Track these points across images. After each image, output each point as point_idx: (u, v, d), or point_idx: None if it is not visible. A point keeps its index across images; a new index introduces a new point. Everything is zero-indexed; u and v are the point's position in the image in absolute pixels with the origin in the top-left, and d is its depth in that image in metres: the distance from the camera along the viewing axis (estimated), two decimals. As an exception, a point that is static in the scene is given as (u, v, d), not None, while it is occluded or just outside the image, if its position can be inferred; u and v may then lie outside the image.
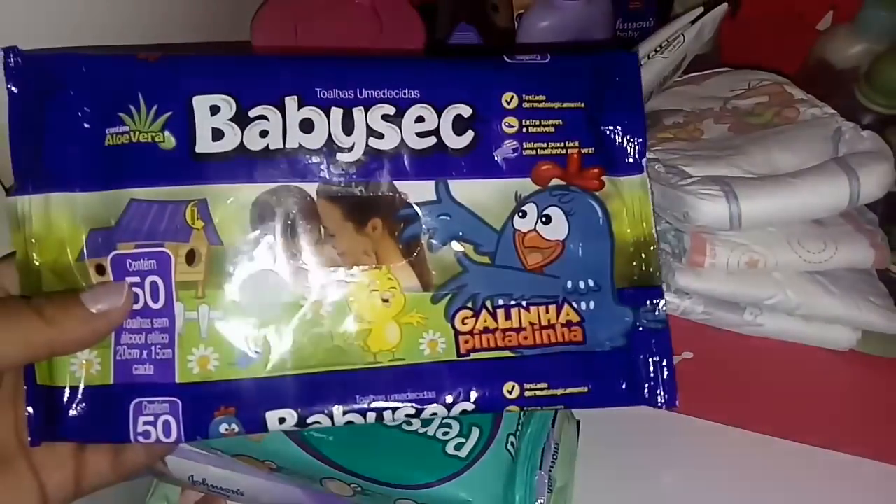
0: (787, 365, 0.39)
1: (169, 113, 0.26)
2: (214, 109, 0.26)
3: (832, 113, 0.40)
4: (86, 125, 0.26)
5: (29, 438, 0.25)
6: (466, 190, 0.28)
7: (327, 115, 0.26)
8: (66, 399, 0.25)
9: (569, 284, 0.28)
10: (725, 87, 0.46)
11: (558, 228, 0.28)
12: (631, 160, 0.29)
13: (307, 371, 0.26)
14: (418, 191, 0.27)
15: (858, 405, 0.41)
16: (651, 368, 0.28)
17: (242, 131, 0.26)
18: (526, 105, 0.28)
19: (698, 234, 0.36)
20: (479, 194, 0.28)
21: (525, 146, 0.28)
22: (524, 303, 0.28)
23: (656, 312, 0.29)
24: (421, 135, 0.27)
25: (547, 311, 0.28)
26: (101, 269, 0.25)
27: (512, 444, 0.36)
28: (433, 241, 0.28)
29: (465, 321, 0.27)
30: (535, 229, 0.28)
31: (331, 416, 0.26)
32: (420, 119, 0.27)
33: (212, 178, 0.26)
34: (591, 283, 0.29)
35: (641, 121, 0.29)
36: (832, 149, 0.38)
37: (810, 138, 0.38)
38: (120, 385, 0.25)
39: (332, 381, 0.26)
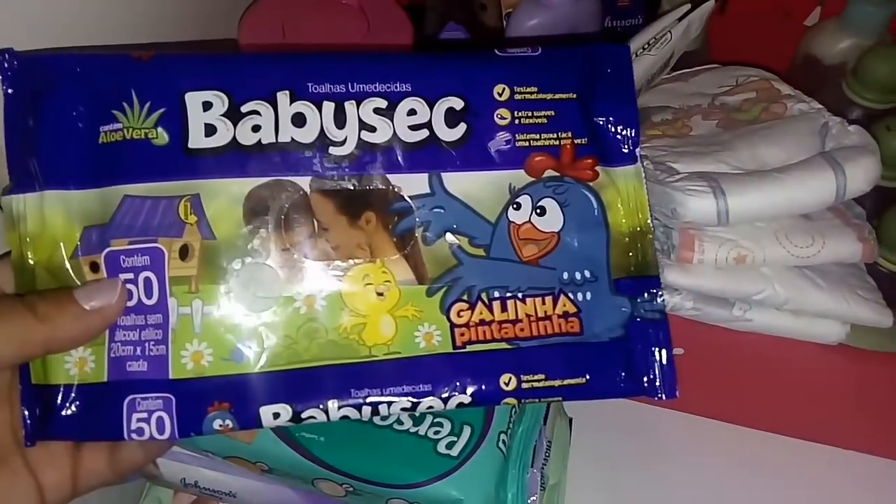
0: (777, 359, 0.39)
1: (162, 109, 0.26)
2: (207, 105, 0.26)
3: (819, 108, 0.41)
4: (80, 124, 0.26)
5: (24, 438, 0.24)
6: (460, 182, 0.28)
7: (319, 109, 0.27)
8: (60, 398, 0.25)
9: (565, 275, 0.28)
10: (713, 83, 0.46)
11: (553, 220, 0.28)
12: (625, 150, 0.29)
13: (301, 366, 0.26)
14: (412, 184, 0.27)
15: (848, 399, 0.41)
16: (650, 359, 0.28)
17: (235, 126, 0.26)
18: (518, 97, 0.28)
19: (686, 230, 0.36)
20: (473, 187, 0.28)
21: (518, 138, 0.28)
22: (520, 294, 0.28)
23: (654, 302, 0.28)
24: (413, 128, 0.27)
25: (543, 303, 0.28)
26: (95, 267, 0.25)
27: (503, 441, 0.36)
28: (427, 234, 0.27)
29: (461, 314, 0.27)
30: (529, 221, 0.28)
31: (326, 411, 0.26)
32: (412, 112, 0.27)
33: (204, 173, 0.26)
34: (587, 273, 0.29)
35: (634, 111, 0.29)
36: (819, 143, 0.38)
37: (797, 133, 0.38)
38: (114, 382, 0.25)
39: (326, 375, 0.26)
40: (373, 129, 0.27)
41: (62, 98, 0.26)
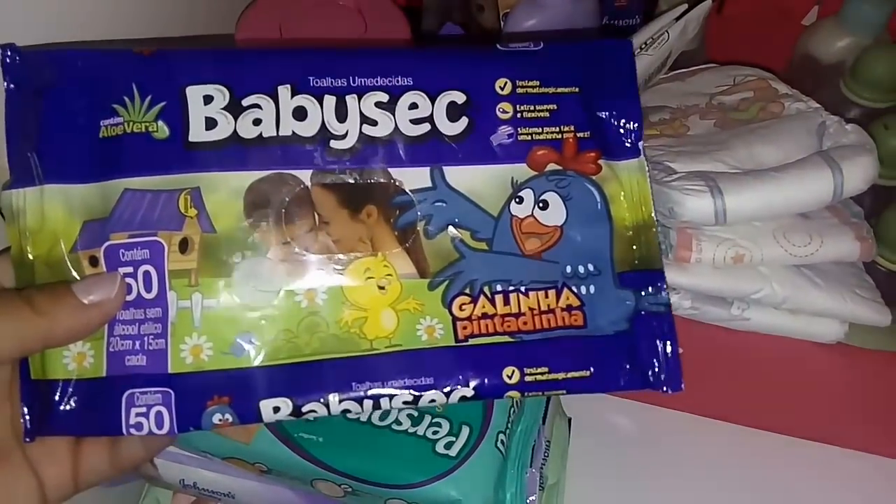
0: (775, 358, 0.39)
1: (163, 103, 0.26)
2: (208, 99, 0.26)
3: (816, 107, 0.41)
4: (81, 119, 0.26)
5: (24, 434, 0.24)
6: (462, 176, 0.28)
7: (320, 102, 0.27)
8: (58, 393, 0.25)
9: (568, 269, 0.28)
10: (711, 83, 0.46)
11: (556, 214, 0.28)
12: (628, 144, 0.29)
13: (302, 359, 0.26)
14: (413, 177, 0.27)
15: (847, 398, 0.41)
16: (655, 352, 0.28)
17: (236, 120, 0.26)
18: (520, 90, 0.28)
19: (684, 230, 0.36)
20: (475, 180, 0.28)
21: (520, 131, 0.28)
22: (523, 288, 0.28)
23: (659, 296, 0.28)
24: (415, 122, 0.27)
25: (546, 296, 0.28)
26: (94, 261, 0.25)
27: (502, 441, 0.36)
28: (429, 228, 0.27)
29: (463, 307, 0.27)
30: (532, 215, 0.28)
31: (326, 405, 0.26)
32: (414, 106, 0.27)
33: (205, 167, 0.26)
34: (590, 267, 0.28)
35: (637, 105, 0.29)
36: (817, 143, 0.38)
37: (795, 132, 0.38)
38: (112, 377, 0.25)
39: (327, 368, 0.26)
40: (374, 123, 0.27)
41: (63, 93, 0.26)
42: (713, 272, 0.36)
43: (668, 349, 0.28)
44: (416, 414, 0.36)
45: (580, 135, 0.28)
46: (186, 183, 0.26)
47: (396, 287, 0.27)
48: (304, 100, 0.27)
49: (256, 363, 0.26)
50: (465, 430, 0.36)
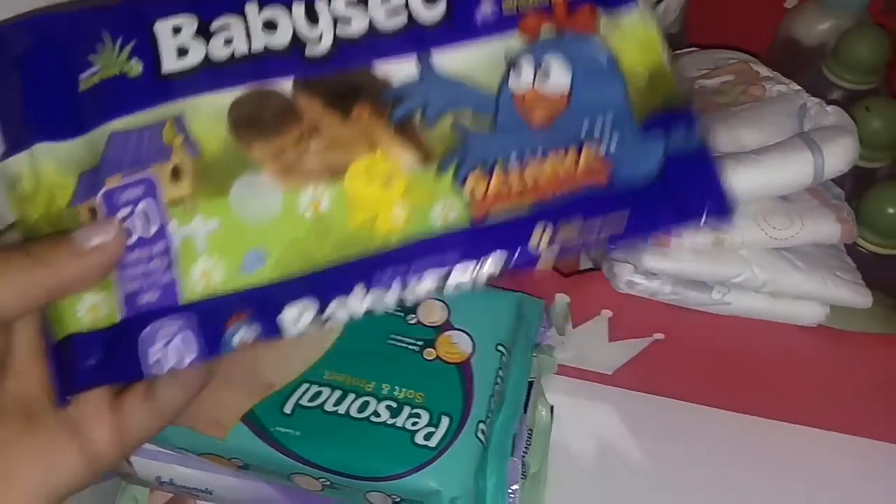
0: (757, 342, 0.39)
1: (133, 42, 0.26)
2: (176, 29, 0.26)
3: (798, 89, 0.40)
4: (59, 79, 0.26)
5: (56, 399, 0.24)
6: (451, 59, 0.26)
7: (289, 10, 0.26)
8: (79, 348, 0.24)
9: (583, 131, 0.26)
10: (692, 66, 0.46)
11: (560, 80, 0.26)
12: None
13: (318, 268, 0.25)
14: (400, 69, 0.26)
15: (828, 380, 0.41)
16: (692, 183, 0.26)
17: (207, 43, 0.26)
18: None
19: (664, 214, 0.35)
20: (466, 61, 0.27)
21: (504, 4, 0.27)
22: (537, 156, 0.26)
23: (690, 133, 0.26)
24: (390, 13, 0.26)
25: (564, 160, 0.26)
26: (93, 213, 0.25)
27: (482, 431, 0.35)
28: (427, 116, 0.26)
29: (476, 187, 0.26)
30: (533, 86, 0.27)
31: (351, 304, 0.25)
32: None
33: (183, 94, 0.26)
34: (608, 122, 0.26)
35: None
36: (798, 125, 0.37)
37: (776, 115, 0.38)
38: (128, 320, 0.24)
39: (345, 270, 0.25)
40: (348, 22, 0.26)
41: (38, 58, 0.26)
42: (693, 256, 0.35)
43: (709, 176, 0.26)
44: (395, 405, 0.35)
45: None
46: (168, 113, 0.26)
47: (401, 181, 0.26)
48: (273, 11, 0.26)
49: (271, 277, 0.25)
50: (445, 421, 0.35)
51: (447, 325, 0.38)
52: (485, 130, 0.26)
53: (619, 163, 0.26)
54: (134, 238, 0.25)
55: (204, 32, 0.26)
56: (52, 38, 0.26)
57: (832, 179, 0.38)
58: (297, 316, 0.24)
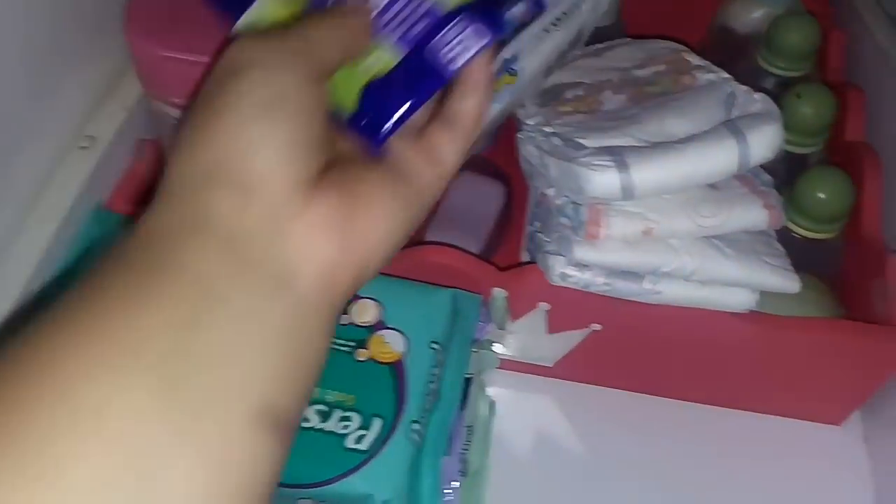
0: (692, 330, 0.39)
1: None
2: None
3: (727, 77, 0.40)
4: None
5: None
6: None
7: None
8: (374, 93, 0.25)
9: None
10: (625, 57, 0.46)
11: None
12: None
13: None
14: None
15: (762, 365, 0.42)
16: None
17: None
18: None
19: (594, 206, 0.35)
20: None
21: None
22: None
23: None
24: None
25: None
26: None
27: (416, 431, 0.35)
28: None
29: None
30: None
31: None
32: None
33: None
34: None
35: None
36: (726, 113, 0.37)
37: (705, 104, 0.38)
38: (407, 55, 0.25)
39: None
40: None
41: None
42: (623, 247, 0.35)
43: None
44: (325, 409, 0.35)
45: None
46: None
47: None
48: None
49: None
50: (377, 423, 0.34)
51: (380, 325, 0.37)
52: None
53: None
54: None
55: None
56: None
57: (762, 166, 0.38)
58: None
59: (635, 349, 0.42)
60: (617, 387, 0.46)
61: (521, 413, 0.46)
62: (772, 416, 0.45)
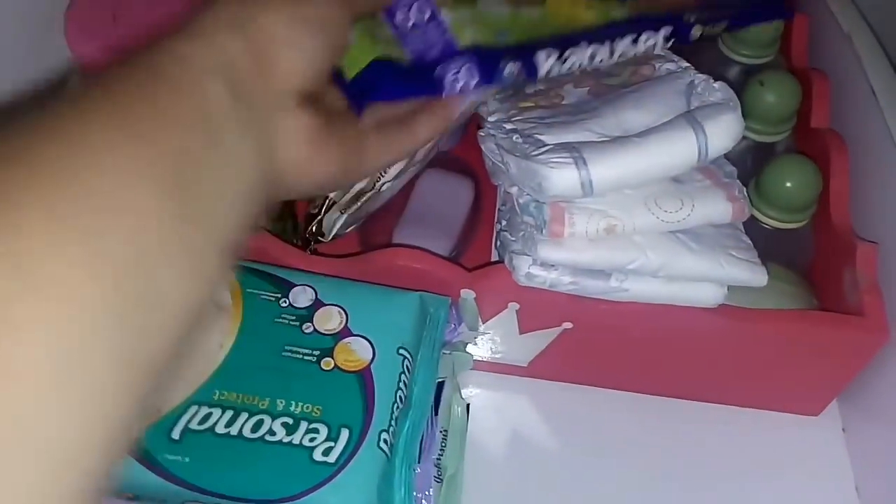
0: (663, 325, 0.39)
1: None
2: None
3: (686, 66, 0.40)
4: None
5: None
6: None
7: None
8: (379, 69, 0.31)
9: None
10: (587, 49, 0.45)
11: None
12: None
13: (546, 38, 0.33)
14: None
15: (734, 358, 0.41)
16: None
17: None
18: None
19: (556, 204, 0.35)
20: None
21: None
22: None
23: None
24: None
25: None
26: None
27: (385, 441, 0.34)
28: None
29: None
30: None
31: (577, 51, 0.34)
32: None
33: None
34: None
35: None
36: (685, 103, 0.37)
37: (664, 95, 0.37)
38: (417, 60, 0.32)
39: (568, 37, 0.34)
40: None
41: None
42: (587, 245, 0.35)
43: None
44: (291, 422, 0.34)
45: None
46: None
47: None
48: None
49: (518, 40, 0.33)
50: (345, 434, 0.34)
51: (345, 332, 0.37)
52: None
53: None
54: (411, 22, 0.32)
55: None
56: None
57: (725, 156, 0.38)
58: (545, 57, 0.33)
59: (608, 346, 0.42)
60: (592, 384, 0.45)
61: (497, 413, 0.45)
62: (749, 409, 0.45)
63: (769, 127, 0.45)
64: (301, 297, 0.38)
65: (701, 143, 0.33)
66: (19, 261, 0.15)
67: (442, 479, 0.39)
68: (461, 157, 0.51)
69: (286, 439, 0.33)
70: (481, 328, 0.43)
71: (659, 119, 0.36)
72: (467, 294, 0.41)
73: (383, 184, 0.42)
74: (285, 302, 0.38)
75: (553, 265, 0.36)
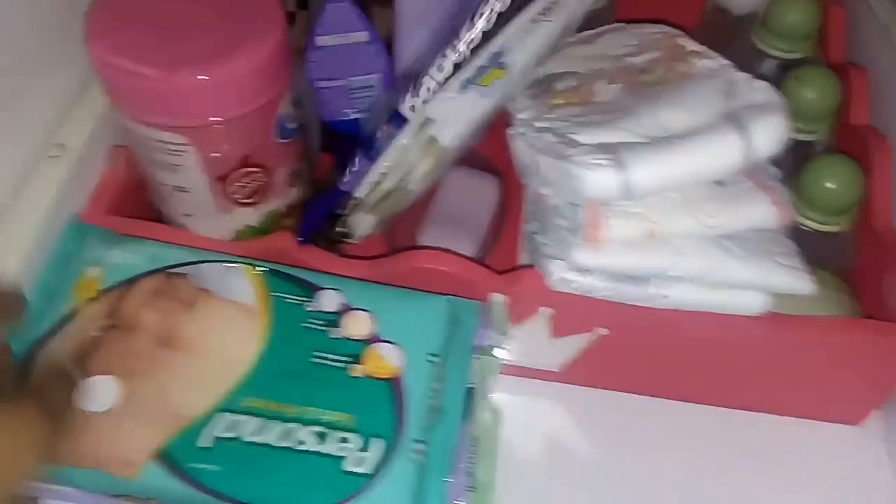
0: (705, 332, 0.38)
1: None
2: None
3: (725, 64, 0.38)
4: None
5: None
6: None
7: None
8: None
9: None
10: (618, 44, 0.44)
11: None
12: None
13: None
14: None
15: (779, 366, 0.40)
16: None
17: None
18: None
19: (592, 207, 0.33)
20: None
21: None
22: None
23: None
24: None
25: None
26: None
27: (419, 451, 0.33)
28: None
29: None
30: None
31: None
32: None
33: None
34: None
35: None
36: (725, 102, 0.36)
37: (702, 93, 0.36)
38: None
39: None
40: None
41: None
42: (625, 250, 0.33)
43: None
44: (321, 430, 0.33)
45: None
46: None
47: None
48: None
49: None
50: (377, 444, 0.33)
51: (374, 338, 0.36)
52: None
53: None
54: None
55: None
56: None
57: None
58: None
59: (645, 352, 0.41)
60: (627, 391, 0.44)
61: (528, 419, 0.44)
62: (789, 418, 0.43)
63: (807, 124, 0.44)
64: (328, 300, 0.37)
65: (746, 148, 0.32)
66: None
67: (474, 489, 0.38)
68: (485, 153, 0.50)
69: (317, 448, 0.33)
70: (511, 332, 0.42)
71: (698, 119, 0.34)
72: (498, 298, 0.40)
73: (411, 183, 0.41)
74: (312, 305, 0.37)
75: (588, 270, 0.35)
